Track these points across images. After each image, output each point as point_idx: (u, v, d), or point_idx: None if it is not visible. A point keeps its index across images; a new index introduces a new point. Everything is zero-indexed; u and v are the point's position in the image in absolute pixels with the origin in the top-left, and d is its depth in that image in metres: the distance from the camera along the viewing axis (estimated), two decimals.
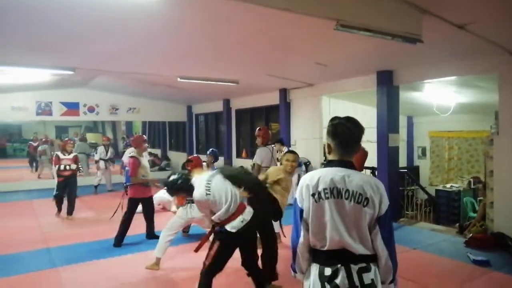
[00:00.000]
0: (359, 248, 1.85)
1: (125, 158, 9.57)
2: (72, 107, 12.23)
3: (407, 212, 7.87)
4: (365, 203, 1.84)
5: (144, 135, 6.53)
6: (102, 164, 10.79)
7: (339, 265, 1.86)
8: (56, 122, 21.97)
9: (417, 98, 8.79)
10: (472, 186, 9.17)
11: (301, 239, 1.96)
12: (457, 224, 6.96)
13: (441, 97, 8.36)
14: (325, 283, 1.87)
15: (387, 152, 7.08)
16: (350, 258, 1.86)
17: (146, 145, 6.23)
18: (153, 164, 15.83)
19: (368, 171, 7.98)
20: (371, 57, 6.32)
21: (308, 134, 9.21)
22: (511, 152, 5.55)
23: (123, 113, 13.15)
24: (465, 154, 10.25)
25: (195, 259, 4.98)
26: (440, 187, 9.64)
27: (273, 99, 10.07)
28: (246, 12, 4.10)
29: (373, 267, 1.88)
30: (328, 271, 1.87)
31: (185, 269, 4.77)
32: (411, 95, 8.51)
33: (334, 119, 1.99)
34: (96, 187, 10.75)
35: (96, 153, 11.13)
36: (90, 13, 4.29)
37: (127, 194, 5.83)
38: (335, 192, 1.87)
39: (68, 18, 4.47)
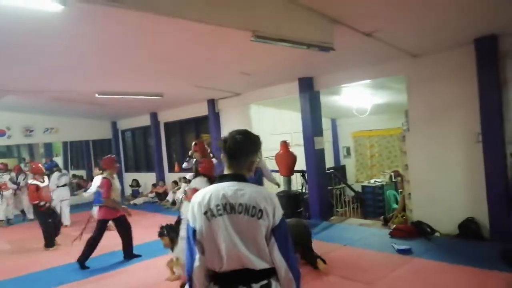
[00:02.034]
0: (258, 263, 1.79)
1: (52, 184, 8.76)
2: None
3: (338, 210, 8.24)
4: (259, 215, 1.78)
5: (113, 155, 6.26)
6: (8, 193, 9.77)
7: (240, 286, 1.79)
8: None
9: (337, 102, 9.29)
10: (393, 180, 9.87)
11: (196, 263, 1.84)
12: (382, 217, 7.44)
13: (359, 100, 8.92)
14: None
15: (314, 155, 7.38)
16: (251, 277, 1.79)
17: (118, 165, 6.10)
18: (78, 187, 14.80)
19: (299, 174, 8.25)
20: (292, 65, 6.56)
21: None
22: (422, 146, 6.11)
23: (39, 134, 12.14)
24: (385, 150, 11.04)
25: None
26: (365, 183, 10.24)
27: (201, 110, 10.01)
28: (165, 24, 4.02)
29: (273, 282, 1.82)
30: None
31: None
32: (332, 99, 8.97)
33: (229, 133, 1.95)
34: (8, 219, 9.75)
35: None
36: None
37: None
38: (228, 208, 1.80)
39: None
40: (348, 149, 11.97)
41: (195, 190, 2.47)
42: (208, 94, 9.09)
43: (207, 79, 7.61)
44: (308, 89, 7.36)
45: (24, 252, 6.90)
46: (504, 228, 5.16)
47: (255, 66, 6.54)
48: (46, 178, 7.23)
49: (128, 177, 13.65)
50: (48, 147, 20.50)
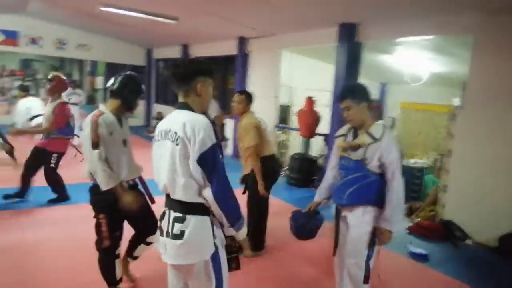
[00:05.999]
0: (178, 195, 1.80)
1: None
2: (10, 36, 10.81)
3: None
4: (177, 142, 1.75)
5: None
6: None
7: (165, 209, 1.91)
8: (21, 55, 19.99)
9: (388, 63, 7.86)
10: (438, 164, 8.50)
11: None
12: (408, 205, 6.29)
13: (413, 64, 7.44)
14: None
15: (341, 118, 6.16)
16: (172, 204, 1.86)
17: None
18: None
19: (321, 138, 7.18)
20: (333, 4, 5.29)
21: (264, 92, 8.24)
22: (476, 131, 4.72)
23: (72, 49, 11.81)
24: (434, 130, 9.49)
25: None
26: (403, 162, 8.94)
27: (231, 48, 8.92)
28: None
29: (188, 217, 1.81)
30: None
31: None
32: (382, 59, 7.56)
33: None
34: None
35: None
36: None
37: None
38: (163, 134, 1.86)
39: None
40: (393, 121, 10.50)
41: None
42: (237, 30, 7.98)
43: (232, 9, 6.46)
44: (349, 39, 6.00)
45: None
46: None
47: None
48: None
49: (157, 109, 13.22)
50: (94, 66, 20.67)
